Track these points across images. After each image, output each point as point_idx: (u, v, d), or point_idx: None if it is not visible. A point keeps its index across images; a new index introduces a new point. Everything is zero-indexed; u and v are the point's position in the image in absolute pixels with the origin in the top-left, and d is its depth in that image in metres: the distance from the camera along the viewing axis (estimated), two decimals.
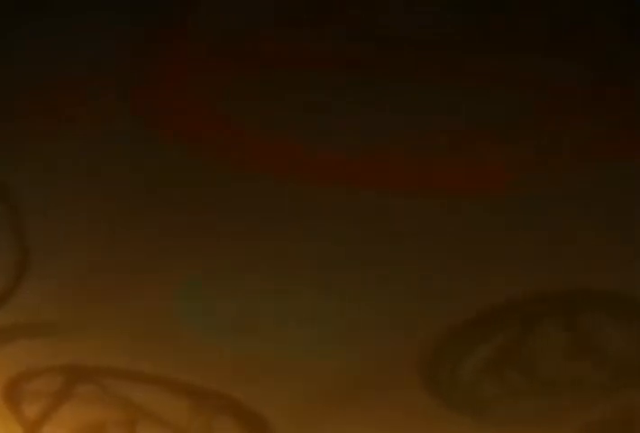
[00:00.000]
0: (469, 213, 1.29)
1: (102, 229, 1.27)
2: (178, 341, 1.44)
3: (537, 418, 1.72)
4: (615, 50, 1.11)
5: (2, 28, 1.06)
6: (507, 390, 1.65)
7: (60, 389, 1.54)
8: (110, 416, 1.60)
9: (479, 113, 1.16)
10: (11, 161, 1.20)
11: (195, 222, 1.26)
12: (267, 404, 1.58)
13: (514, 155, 1.22)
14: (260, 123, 1.15)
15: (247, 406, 1.58)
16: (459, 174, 1.24)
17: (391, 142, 1.19)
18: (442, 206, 1.28)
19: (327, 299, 1.39)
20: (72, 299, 1.37)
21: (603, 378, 1.66)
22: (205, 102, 1.14)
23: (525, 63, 1.12)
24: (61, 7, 1.03)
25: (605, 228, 1.35)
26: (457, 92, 1.14)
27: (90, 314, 1.41)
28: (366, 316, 1.43)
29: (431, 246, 1.34)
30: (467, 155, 1.22)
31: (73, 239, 1.28)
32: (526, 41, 1.09)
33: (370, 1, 1.04)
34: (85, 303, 1.39)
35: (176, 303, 1.38)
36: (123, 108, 1.14)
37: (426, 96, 1.14)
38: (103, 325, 1.43)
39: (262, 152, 1.18)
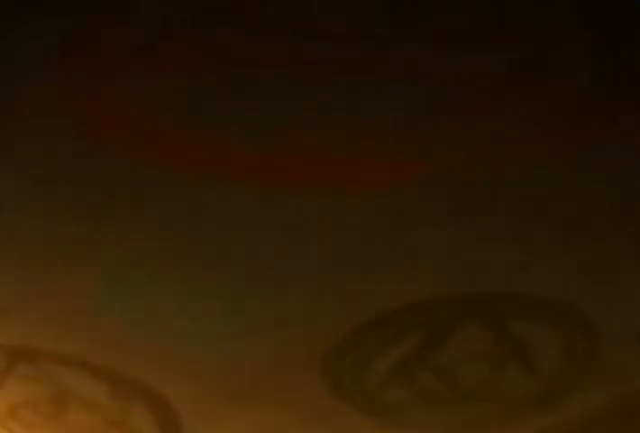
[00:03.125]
0: (373, 210, 1.29)
1: (29, 220, 1.30)
2: (99, 327, 1.46)
3: (457, 427, 1.71)
4: (539, 45, 1.10)
5: None
6: (421, 396, 1.63)
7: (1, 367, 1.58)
8: (42, 395, 1.61)
9: (388, 108, 1.16)
10: None
11: (116, 216, 1.29)
12: (177, 394, 1.59)
13: (427, 150, 1.22)
14: (176, 122, 1.17)
15: (159, 394, 1.59)
16: (365, 170, 1.24)
17: (305, 138, 1.20)
18: (344, 204, 1.28)
19: (232, 295, 1.40)
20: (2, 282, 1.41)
21: (531, 389, 1.65)
22: (124, 102, 1.16)
23: (444, 57, 1.11)
24: None
25: (521, 229, 1.34)
26: (368, 88, 1.14)
27: (18, 297, 1.43)
28: (267, 313, 1.44)
29: (331, 244, 1.33)
30: (376, 151, 1.21)
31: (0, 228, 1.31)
32: (447, 34, 1.09)
33: None
34: (13, 287, 1.42)
35: (98, 291, 1.41)
36: (50, 109, 1.15)
37: (341, 92, 1.14)
38: (30, 308, 1.45)
39: (179, 151, 1.20)
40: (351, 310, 1.45)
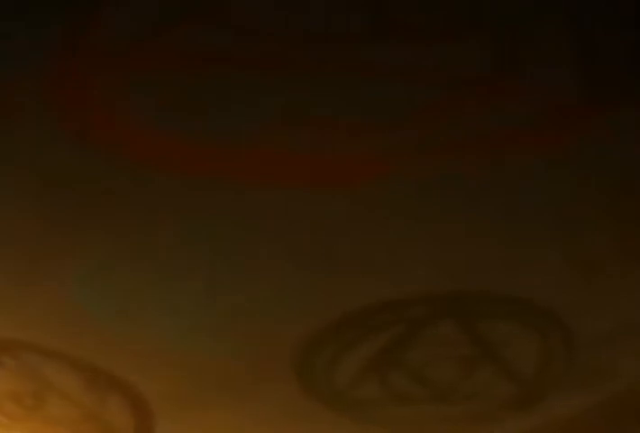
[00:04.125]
0: (345, 207, 1.29)
1: (9, 216, 1.31)
2: (76, 321, 1.47)
3: (431, 426, 1.70)
4: (517, 43, 1.10)
5: None
6: (394, 394, 1.62)
7: None
8: (24, 386, 1.63)
9: (359, 107, 1.16)
10: None
11: (93, 213, 1.30)
12: (150, 388, 1.59)
13: (399, 148, 1.21)
14: (154, 121, 1.19)
15: (133, 388, 1.60)
16: (335, 167, 1.24)
17: (270, 135, 1.21)
18: (315, 200, 1.28)
19: (203, 289, 1.41)
20: None
21: (507, 390, 1.64)
22: (108, 101, 1.17)
23: (419, 55, 1.11)
24: None
25: (496, 228, 1.33)
26: (337, 86, 1.14)
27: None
28: (239, 309, 1.44)
29: (302, 241, 1.34)
30: (347, 148, 1.21)
31: None
32: (422, 32, 1.09)
33: None
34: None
35: (77, 286, 1.42)
36: (31, 104, 1.17)
37: (309, 89, 1.14)
38: (11, 301, 1.47)
39: (158, 149, 1.22)
40: (323, 307, 1.44)
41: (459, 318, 1.49)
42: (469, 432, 1.72)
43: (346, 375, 1.57)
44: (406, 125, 1.19)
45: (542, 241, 1.35)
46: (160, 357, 1.53)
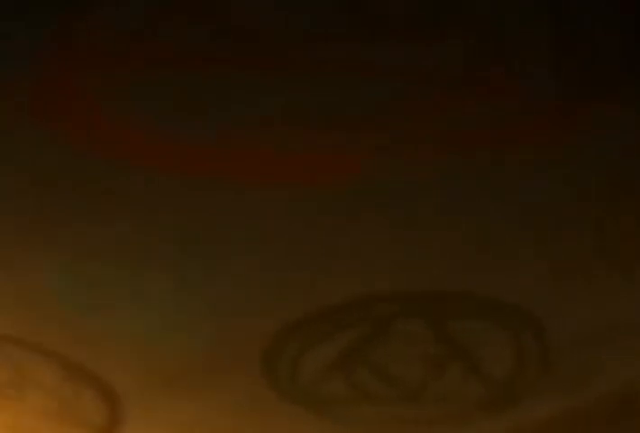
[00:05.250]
0: (315, 205, 1.30)
1: None
2: (50, 314, 1.49)
3: (399, 426, 1.70)
4: (499, 40, 1.11)
5: None
6: (360, 392, 1.62)
7: None
8: (4, 378, 1.63)
9: (332, 102, 1.17)
10: None
11: (63, 213, 1.32)
12: (120, 378, 1.60)
13: (368, 145, 1.23)
14: (135, 120, 1.20)
15: (104, 378, 1.60)
16: (306, 165, 1.25)
17: (247, 133, 1.22)
18: (284, 199, 1.29)
19: (173, 284, 1.43)
20: None
21: (478, 392, 1.63)
22: (94, 101, 1.19)
23: (389, 51, 1.12)
24: None
25: (467, 227, 1.34)
26: (314, 82, 1.15)
27: None
28: (208, 304, 1.46)
29: (273, 239, 1.35)
30: (318, 146, 1.23)
31: None
32: (392, 26, 1.10)
33: None
34: None
35: (52, 280, 1.43)
36: (23, 105, 1.18)
37: (286, 90, 1.16)
38: None
39: (138, 147, 1.24)
40: (290, 304, 1.45)
41: (428, 318, 1.49)
42: None
43: (312, 372, 1.58)
44: (388, 124, 1.21)
45: (516, 241, 1.36)
46: (131, 350, 1.54)
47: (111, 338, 1.52)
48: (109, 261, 1.40)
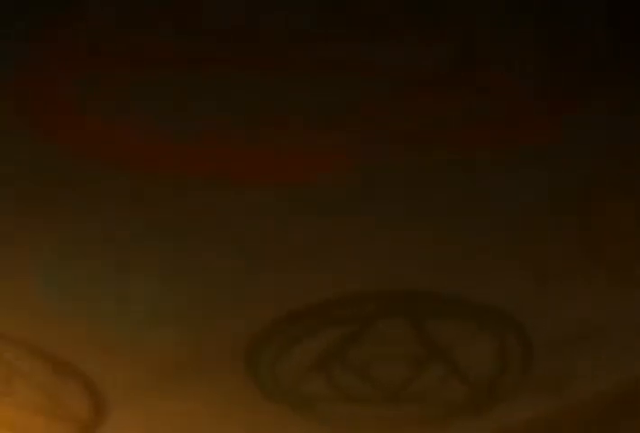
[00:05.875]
0: (295, 204, 1.30)
1: None
2: (35, 310, 1.49)
3: (380, 426, 1.70)
4: (479, 39, 1.11)
5: None
6: (340, 393, 1.63)
7: None
8: None
9: (308, 101, 1.18)
10: None
11: (50, 206, 1.32)
12: (104, 374, 1.61)
13: (341, 143, 1.23)
14: (105, 114, 1.21)
15: (88, 374, 1.61)
16: (281, 164, 1.26)
17: (221, 131, 1.23)
18: (262, 197, 1.29)
19: (157, 283, 1.44)
20: None
21: (459, 393, 1.63)
22: (69, 101, 1.19)
23: (366, 50, 1.13)
24: None
25: (450, 227, 1.34)
26: (289, 81, 1.15)
27: None
28: (191, 301, 1.46)
29: (253, 238, 1.36)
30: (292, 145, 1.23)
31: None
32: (373, 26, 1.10)
33: None
34: None
35: (36, 276, 1.44)
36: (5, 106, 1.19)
37: (259, 86, 1.16)
38: None
39: (103, 142, 1.24)
40: (271, 303, 1.46)
41: (408, 318, 1.49)
42: None
43: (293, 371, 1.59)
44: (363, 122, 1.21)
45: (499, 242, 1.36)
46: (116, 347, 1.55)
47: (96, 335, 1.53)
48: (94, 259, 1.40)
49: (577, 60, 1.14)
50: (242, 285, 1.43)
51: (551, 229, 1.35)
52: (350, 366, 1.58)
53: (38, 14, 1.09)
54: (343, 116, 1.20)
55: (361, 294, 1.45)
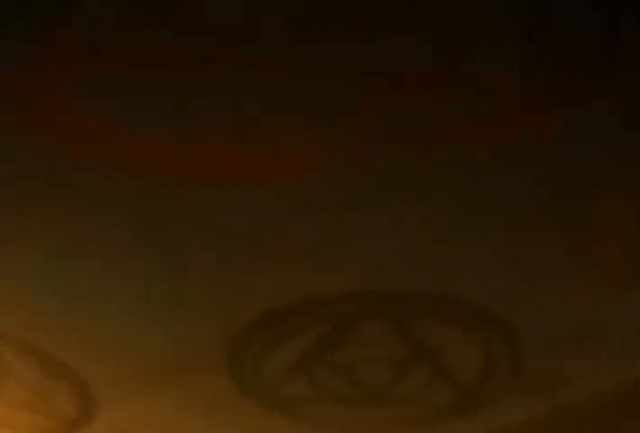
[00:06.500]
0: (277, 203, 1.30)
1: None
2: (22, 307, 1.49)
3: (363, 428, 1.69)
4: (461, 36, 1.11)
5: None
6: (323, 394, 1.62)
7: None
8: None
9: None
10: None
11: (37, 209, 1.33)
12: (92, 373, 1.61)
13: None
14: (101, 114, 1.21)
15: (77, 372, 1.61)
16: (263, 163, 1.26)
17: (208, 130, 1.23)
18: (243, 196, 1.29)
19: (143, 282, 1.44)
20: None
21: (444, 395, 1.62)
22: (64, 101, 1.19)
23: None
24: None
25: (433, 226, 1.33)
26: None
27: None
28: (174, 301, 1.46)
29: (234, 236, 1.35)
30: (275, 143, 1.23)
31: None
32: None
33: None
34: None
35: (24, 274, 1.44)
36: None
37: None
38: None
39: (103, 142, 1.24)
40: (251, 303, 1.45)
41: (391, 318, 1.48)
42: None
43: (274, 371, 1.58)
44: (346, 121, 1.21)
45: (482, 239, 1.35)
46: (103, 345, 1.55)
47: (83, 333, 1.53)
48: (80, 257, 1.41)
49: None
50: (223, 287, 1.43)
51: (538, 229, 1.34)
52: (334, 367, 1.57)
53: (38, 14, 1.09)
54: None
55: (342, 295, 1.44)
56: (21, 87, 1.17)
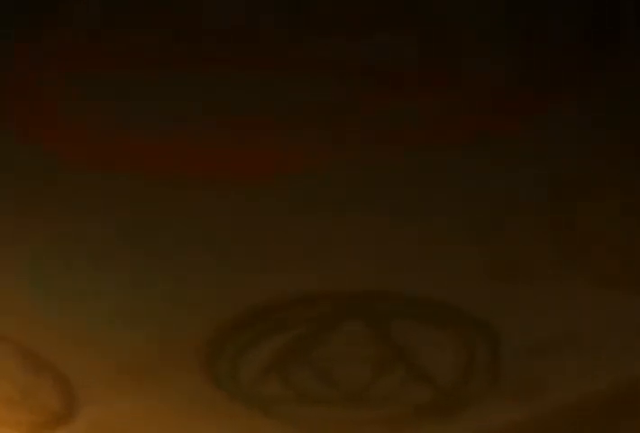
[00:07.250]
0: (261, 202, 1.30)
1: None
2: (6, 304, 1.50)
3: (343, 429, 1.69)
4: (448, 33, 1.11)
5: None
6: (299, 394, 1.62)
7: None
8: None
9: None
10: None
11: (25, 208, 1.33)
12: (74, 370, 1.61)
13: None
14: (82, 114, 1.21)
15: (59, 368, 1.62)
16: (249, 162, 1.25)
17: (195, 129, 1.23)
18: (228, 195, 1.29)
19: (126, 280, 1.44)
20: None
21: (423, 396, 1.61)
22: (52, 101, 1.20)
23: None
24: None
25: (411, 225, 1.33)
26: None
27: None
28: (156, 298, 1.47)
29: (216, 235, 1.35)
30: (262, 142, 1.23)
31: None
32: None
33: None
34: None
35: (17, 273, 1.45)
36: None
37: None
38: None
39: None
40: (231, 302, 1.45)
41: (369, 319, 1.48)
42: None
43: (252, 372, 1.58)
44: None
45: (463, 240, 1.35)
46: (85, 342, 1.55)
47: (66, 329, 1.53)
48: (65, 254, 1.41)
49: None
50: (199, 287, 1.44)
51: (523, 230, 1.34)
52: (312, 367, 1.57)
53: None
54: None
55: (318, 294, 1.44)
56: (18, 87, 1.17)
